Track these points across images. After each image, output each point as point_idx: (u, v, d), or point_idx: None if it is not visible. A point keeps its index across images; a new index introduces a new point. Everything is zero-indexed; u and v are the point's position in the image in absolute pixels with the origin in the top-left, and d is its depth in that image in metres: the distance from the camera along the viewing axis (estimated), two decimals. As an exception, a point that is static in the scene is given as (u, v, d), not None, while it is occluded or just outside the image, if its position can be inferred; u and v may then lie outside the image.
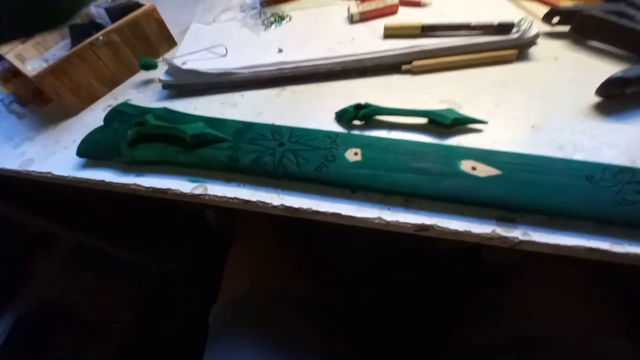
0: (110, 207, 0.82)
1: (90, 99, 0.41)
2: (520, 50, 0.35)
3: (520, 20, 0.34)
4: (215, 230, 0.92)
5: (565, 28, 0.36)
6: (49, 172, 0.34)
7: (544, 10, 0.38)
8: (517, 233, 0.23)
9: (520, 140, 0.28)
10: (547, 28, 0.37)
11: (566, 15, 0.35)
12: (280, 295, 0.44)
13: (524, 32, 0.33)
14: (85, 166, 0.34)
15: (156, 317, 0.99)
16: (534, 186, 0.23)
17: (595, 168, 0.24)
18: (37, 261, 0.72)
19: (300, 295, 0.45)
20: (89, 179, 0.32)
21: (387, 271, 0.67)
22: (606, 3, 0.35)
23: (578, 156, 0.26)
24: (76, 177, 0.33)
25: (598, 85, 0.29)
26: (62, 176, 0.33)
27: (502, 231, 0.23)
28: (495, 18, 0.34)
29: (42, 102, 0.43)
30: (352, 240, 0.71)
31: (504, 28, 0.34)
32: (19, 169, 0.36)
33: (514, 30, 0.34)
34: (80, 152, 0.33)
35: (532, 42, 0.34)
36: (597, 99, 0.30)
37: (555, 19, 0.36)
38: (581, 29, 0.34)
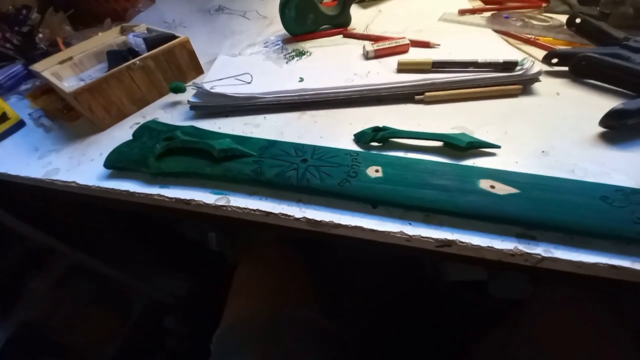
0: (111, 228, 0.81)
1: (120, 116, 0.43)
2: (524, 86, 0.38)
3: (524, 59, 0.37)
4: (216, 256, 0.90)
5: (564, 68, 0.39)
6: (74, 182, 0.35)
7: (541, 53, 0.42)
8: (539, 250, 0.24)
9: (532, 164, 0.30)
10: (547, 67, 0.40)
11: (564, 57, 0.38)
12: (286, 321, 0.43)
13: (527, 69, 0.37)
14: (110, 177, 0.35)
15: (143, 347, 0.93)
16: (552, 204, 0.24)
17: (608, 189, 0.25)
18: (31, 278, 0.69)
19: (305, 322, 0.44)
20: (113, 189, 0.33)
21: (395, 304, 0.64)
22: (601, 46, 0.39)
23: (589, 180, 0.27)
24: (101, 187, 0.34)
25: (599, 118, 0.31)
26: (87, 185, 0.34)
27: (524, 248, 0.24)
28: (500, 57, 0.38)
29: (70, 119, 0.46)
30: (357, 271, 0.69)
31: (509, 66, 0.37)
32: (43, 178, 0.37)
33: (518, 68, 0.37)
34: (108, 163, 0.34)
35: (535, 78, 0.37)
36: (600, 130, 0.32)
37: (554, 60, 0.39)
38: (579, 70, 0.37)
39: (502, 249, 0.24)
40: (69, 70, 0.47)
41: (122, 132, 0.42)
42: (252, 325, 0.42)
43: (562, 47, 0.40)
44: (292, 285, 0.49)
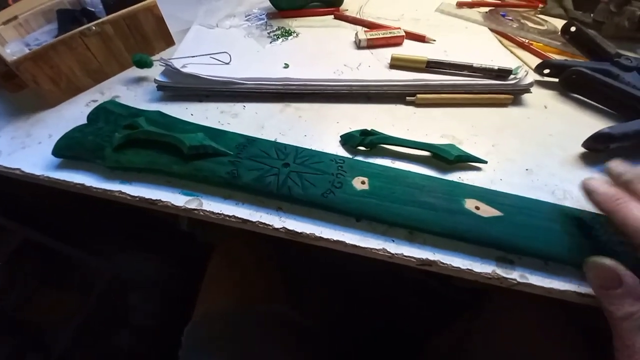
0: (69, 203, 0.75)
1: (72, 90, 0.37)
2: (514, 96, 0.37)
3: (517, 68, 0.36)
4: (186, 236, 0.87)
5: (555, 79, 0.38)
6: (18, 169, 0.30)
7: (534, 60, 0.41)
8: (515, 275, 0.24)
9: (517, 182, 0.30)
10: (537, 77, 0.40)
11: (556, 68, 0.38)
12: (256, 315, 0.43)
13: (521, 79, 0.36)
14: (62, 166, 0.30)
15: (104, 328, 0.90)
16: (533, 229, 0.24)
17: (586, 217, 0.25)
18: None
19: (275, 316, 0.44)
20: (65, 181, 0.29)
21: (360, 293, 0.66)
22: (593, 61, 0.38)
23: (567, 203, 0.28)
24: (50, 178, 0.29)
25: (583, 137, 0.31)
26: (34, 175, 0.30)
27: (501, 272, 0.24)
28: (494, 63, 0.36)
29: (13, 87, 0.39)
30: (327, 260, 0.70)
31: (502, 73, 0.36)
32: (-21, 161, 0.31)
33: (511, 76, 0.36)
34: (57, 151, 0.30)
35: (526, 89, 0.37)
36: (582, 151, 0.32)
37: (546, 71, 0.38)
38: (568, 83, 0.37)
39: (481, 272, 0.24)
40: (14, 32, 0.39)
41: (76, 110, 0.36)
42: (222, 319, 0.42)
43: (555, 59, 0.40)
44: (262, 279, 0.48)
